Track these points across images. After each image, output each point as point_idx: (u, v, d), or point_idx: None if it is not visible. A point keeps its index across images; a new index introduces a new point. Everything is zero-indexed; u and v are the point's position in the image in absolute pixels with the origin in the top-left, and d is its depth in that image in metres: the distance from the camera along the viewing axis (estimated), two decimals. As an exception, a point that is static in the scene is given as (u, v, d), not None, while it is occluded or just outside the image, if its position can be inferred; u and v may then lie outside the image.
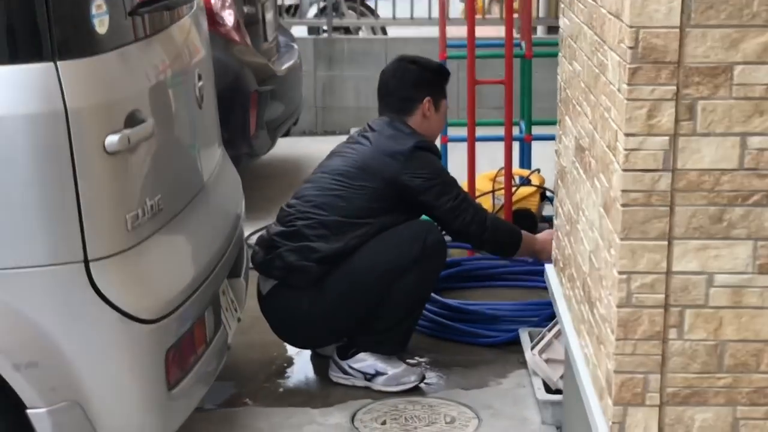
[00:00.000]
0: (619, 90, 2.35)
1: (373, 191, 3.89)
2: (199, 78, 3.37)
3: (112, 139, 2.68)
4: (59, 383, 2.66)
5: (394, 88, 4.10)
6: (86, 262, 2.65)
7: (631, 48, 2.25)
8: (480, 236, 4.01)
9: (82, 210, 2.63)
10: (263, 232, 4.07)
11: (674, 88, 2.26)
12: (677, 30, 2.23)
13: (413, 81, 4.10)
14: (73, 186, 2.62)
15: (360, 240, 3.86)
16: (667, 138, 2.28)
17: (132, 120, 2.78)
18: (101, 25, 2.73)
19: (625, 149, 2.30)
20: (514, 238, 4.10)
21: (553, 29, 8.55)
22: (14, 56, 2.59)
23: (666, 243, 2.33)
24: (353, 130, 7.83)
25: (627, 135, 2.29)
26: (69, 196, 2.62)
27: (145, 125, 2.82)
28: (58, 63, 2.60)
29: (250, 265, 3.98)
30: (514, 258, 4.41)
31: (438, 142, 4.44)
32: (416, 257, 3.83)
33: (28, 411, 2.65)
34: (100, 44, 2.74)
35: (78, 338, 2.68)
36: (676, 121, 2.28)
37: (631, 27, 2.24)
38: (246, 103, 5.63)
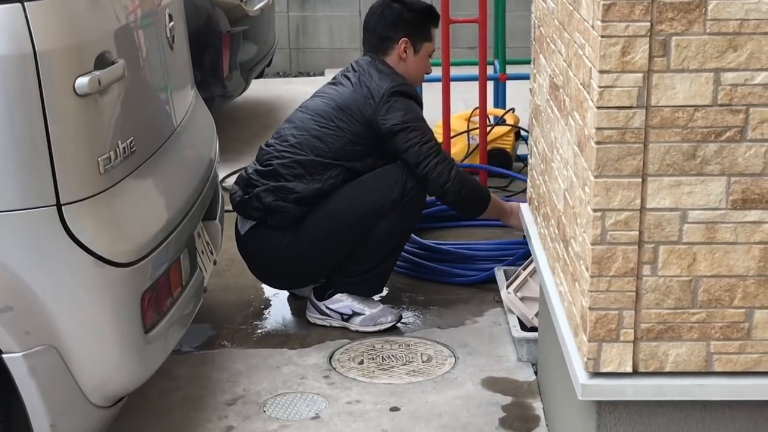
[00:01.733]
0: (593, 27, 2.34)
1: (350, 132, 3.87)
2: (170, 18, 3.33)
3: (82, 81, 2.64)
4: (34, 327, 2.65)
5: (374, 25, 4.05)
6: (59, 205, 2.63)
7: (604, -16, 2.24)
8: (443, 186, 3.87)
9: (54, 153, 2.60)
10: (242, 171, 4.04)
11: (648, 24, 2.25)
12: (651, -35, 2.22)
13: (392, 19, 4.02)
14: (43, 129, 2.58)
15: (337, 181, 3.85)
16: (641, 75, 2.28)
17: (102, 61, 2.74)
18: (69, -36, 2.68)
19: (599, 86, 2.29)
20: (481, 195, 4.03)
21: (527, -33, 8.49)
22: (-20, -2, 2.55)
23: (640, 180, 2.34)
24: (328, 71, 7.76)
25: (601, 72, 2.28)
26: (40, 140, 2.59)
27: (115, 66, 2.78)
28: (26, 4, 2.55)
29: (228, 207, 3.96)
30: (480, 218, 4.29)
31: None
32: (395, 200, 3.83)
33: (4, 356, 2.63)
34: (68, -16, 2.69)
35: (52, 282, 2.66)
36: (650, 57, 2.27)
37: (604, -38, 2.22)
38: (218, 44, 5.59)
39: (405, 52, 4.01)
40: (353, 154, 3.87)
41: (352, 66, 4.04)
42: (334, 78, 4.12)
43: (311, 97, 4.08)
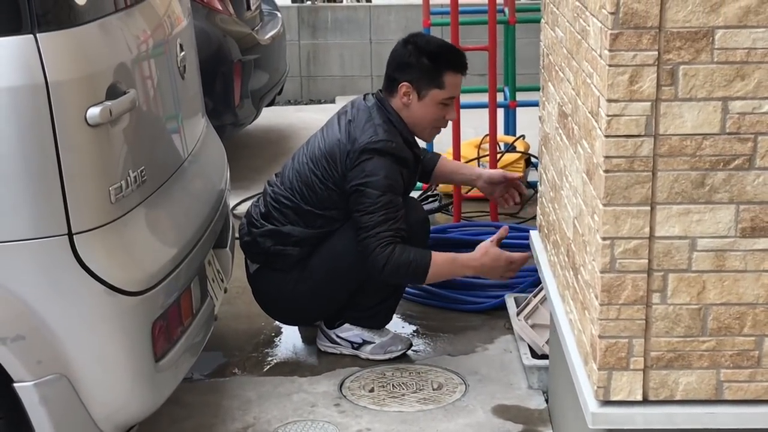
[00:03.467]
0: (600, 56, 2.35)
1: (331, 182, 3.74)
2: (181, 48, 3.35)
3: (93, 111, 2.66)
4: (46, 356, 2.66)
5: (387, 64, 3.87)
6: (70, 235, 2.65)
7: (612, 13, 2.25)
8: (372, 265, 3.64)
9: (65, 183, 2.62)
10: (250, 206, 4.02)
11: (656, 53, 2.26)
12: (658, -5, 2.23)
13: (398, 61, 3.81)
14: (55, 159, 2.60)
15: (331, 228, 3.78)
16: (649, 103, 2.29)
17: (114, 92, 2.76)
18: (81, -4, 2.71)
19: (608, 115, 2.30)
20: (417, 272, 3.68)
21: (537, -6, 8.52)
22: (-7, 29, 2.57)
23: (649, 208, 2.34)
24: (338, 99, 7.77)
25: (609, 101, 2.29)
26: (51, 170, 2.61)
27: (126, 97, 2.80)
28: (38, 35, 2.58)
29: (236, 236, 3.98)
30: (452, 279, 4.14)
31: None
32: None
33: (15, 384, 2.65)
34: (80, 15, 2.72)
35: (64, 311, 2.67)
36: (658, 86, 2.28)
37: (611, -8, 2.24)
38: (230, 73, 5.62)
39: (406, 96, 3.78)
40: (338, 203, 3.75)
41: (355, 103, 3.88)
42: (342, 108, 3.97)
43: (319, 129, 3.96)
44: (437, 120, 3.84)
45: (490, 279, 3.97)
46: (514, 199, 4.24)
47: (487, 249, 3.75)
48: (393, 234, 3.65)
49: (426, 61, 3.76)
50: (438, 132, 3.94)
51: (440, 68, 3.77)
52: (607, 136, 2.31)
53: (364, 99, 3.88)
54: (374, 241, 3.64)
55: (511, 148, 5.51)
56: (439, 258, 3.72)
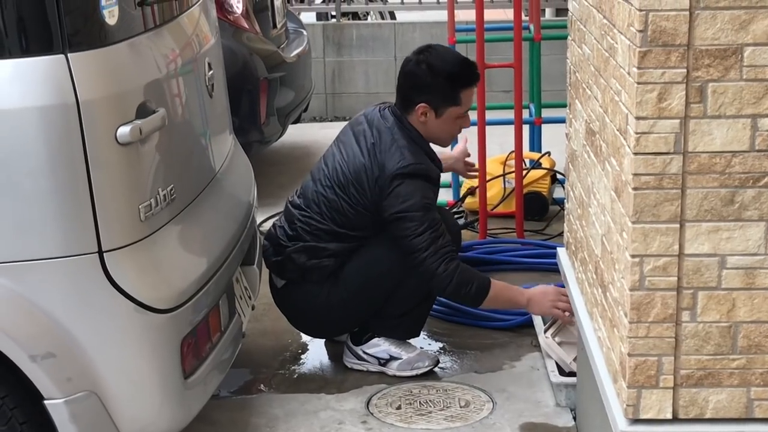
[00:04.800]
0: (629, 73, 2.35)
1: (363, 207, 3.76)
2: (209, 67, 3.38)
3: (123, 130, 2.69)
4: (76, 374, 2.68)
5: (401, 83, 3.87)
6: (100, 253, 2.67)
7: (640, 31, 2.25)
8: (431, 280, 3.69)
9: (96, 201, 2.65)
10: (271, 226, 4.03)
11: (684, 70, 2.26)
12: (687, 12, 2.23)
13: (413, 82, 3.80)
14: (86, 177, 2.63)
15: (366, 240, 3.81)
16: (677, 121, 2.28)
17: (143, 110, 2.79)
18: (111, 16, 2.73)
19: (636, 132, 2.30)
20: (477, 294, 3.74)
21: (561, 11, 8.54)
22: (26, 49, 2.60)
23: (678, 226, 2.34)
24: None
25: (638, 118, 2.29)
26: (82, 188, 2.63)
27: (156, 115, 2.82)
28: (69, 55, 2.60)
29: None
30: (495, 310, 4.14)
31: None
32: None
33: (45, 402, 2.67)
34: (111, 35, 2.74)
35: (94, 329, 2.69)
36: (687, 103, 2.28)
37: (640, 10, 2.24)
38: (256, 91, 5.64)
39: (424, 116, 3.79)
40: (373, 225, 3.78)
41: (372, 121, 3.83)
42: (356, 122, 3.90)
43: (334, 144, 3.93)
44: (454, 132, 3.94)
45: (539, 313, 3.94)
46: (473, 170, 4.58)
47: (541, 287, 3.88)
48: (449, 249, 3.71)
49: (442, 80, 3.78)
50: (454, 138, 4.04)
51: (456, 86, 3.80)
52: (635, 154, 2.31)
53: (381, 116, 3.85)
54: (435, 259, 3.67)
55: (536, 164, 5.51)
56: (497, 283, 3.80)
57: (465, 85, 3.82)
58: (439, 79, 3.77)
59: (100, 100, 2.66)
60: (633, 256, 2.36)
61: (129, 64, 2.83)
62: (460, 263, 3.72)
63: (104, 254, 2.67)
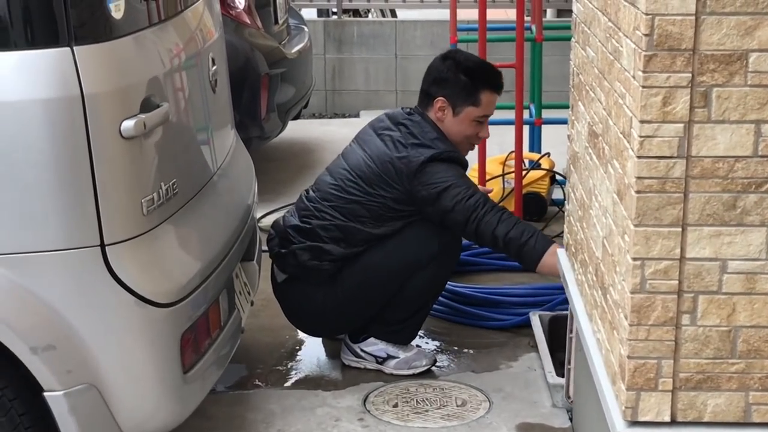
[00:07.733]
0: (634, 77, 2.36)
1: (392, 200, 3.76)
2: (213, 62, 3.38)
3: (128, 124, 2.69)
4: (76, 366, 2.68)
5: (424, 79, 3.90)
6: (102, 246, 2.67)
7: (646, 35, 2.26)
8: (495, 235, 3.69)
9: (99, 194, 2.65)
10: (279, 218, 4.03)
11: (689, 75, 2.27)
12: (693, 17, 2.24)
13: (434, 75, 3.85)
14: (89, 170, 2.63)
15: (375, 243, 3.81)
16: (681, 125, 2.29)
17: (147, 105, 2.79)
18: (117, 10, 2.74)
19: (640, 136, 2.31)
20: (542, 245, 3.72)
21: (563, 12, 8.55)
22: (31, 41, 2.61)
23: (680, 229, 2.34)
24: (363, 113, 7.77)
25: (642, 122, 2.30)
26: (85, 181, 2.63)
27: (160, 110, 2.83)
28: (75, 48, 2.61)
29: (264, 248, 3.99)
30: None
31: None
32: (432, 254, 3.79)
33: (45, 394, 2.67)
34: (116, 29, 2.75)
35: (94, 322, 2.70)
36: (691, 108, 2.28)
37: (646, 14, 2.25)
38: (257, 86, 5.64)
39: (441, 111, 3.83)
40: (394, 218, 3.78)
41: (396, 120, 3.86)
42: (378, 124, 3.92)
43: (355, 140, 3.96)
44: (470, 137, 3.89)
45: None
46: None
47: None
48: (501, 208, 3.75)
49: (463, 77, 3.81)
50: (471, 149, 3.98)
51: (477, 85, 3.82)
52: (639, 157, 2.32)
53: (407, 114, 3.88)
54: (495, 212, 3.69)
55: (536, 165, 5.51)
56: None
57: (486, 86, 3.84)
58: (459, 74, 3.81)
59: (105, 94, 2.66)
60: (634, 259, 2.37)
61: (134, 58, 2.83)
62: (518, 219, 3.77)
63: (106, 248, 2.67)
